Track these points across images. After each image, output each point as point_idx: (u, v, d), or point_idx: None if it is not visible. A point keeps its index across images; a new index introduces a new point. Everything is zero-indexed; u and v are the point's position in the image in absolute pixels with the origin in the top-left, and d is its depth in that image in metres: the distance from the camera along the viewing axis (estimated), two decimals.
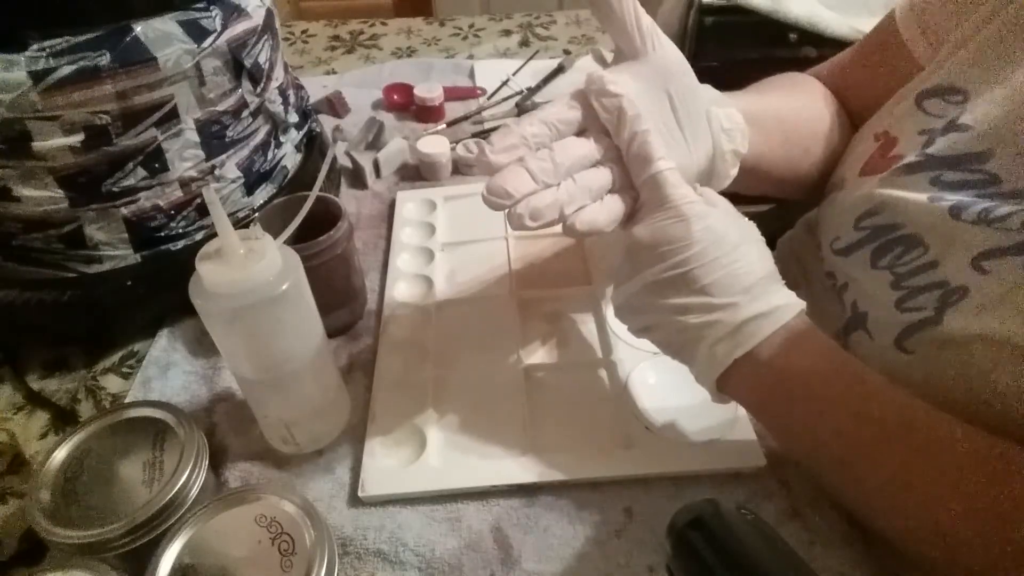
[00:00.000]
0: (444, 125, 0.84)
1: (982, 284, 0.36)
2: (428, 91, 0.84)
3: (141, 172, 0.49)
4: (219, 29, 0.50)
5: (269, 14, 0.57)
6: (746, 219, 0.39)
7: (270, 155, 0.60)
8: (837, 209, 0.46)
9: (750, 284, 0.35)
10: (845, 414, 0.35)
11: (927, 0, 0.47)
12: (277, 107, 0.60)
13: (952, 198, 0.38)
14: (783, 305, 0.36)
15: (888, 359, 0.40)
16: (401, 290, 0.60)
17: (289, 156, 0.63)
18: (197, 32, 0.48)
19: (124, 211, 0.50)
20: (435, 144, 0.74)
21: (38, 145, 0.45)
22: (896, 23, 0.49)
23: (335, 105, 0.87)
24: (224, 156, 0.54)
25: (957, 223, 0.37)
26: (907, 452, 0.34)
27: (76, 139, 0.45)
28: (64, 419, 0.52)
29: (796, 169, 0.51)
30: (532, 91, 0.88)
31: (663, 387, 0.50)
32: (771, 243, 0.78)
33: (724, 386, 0.38)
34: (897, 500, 0.34)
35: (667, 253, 0.36)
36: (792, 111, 0.52)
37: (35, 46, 0.43)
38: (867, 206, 0.43)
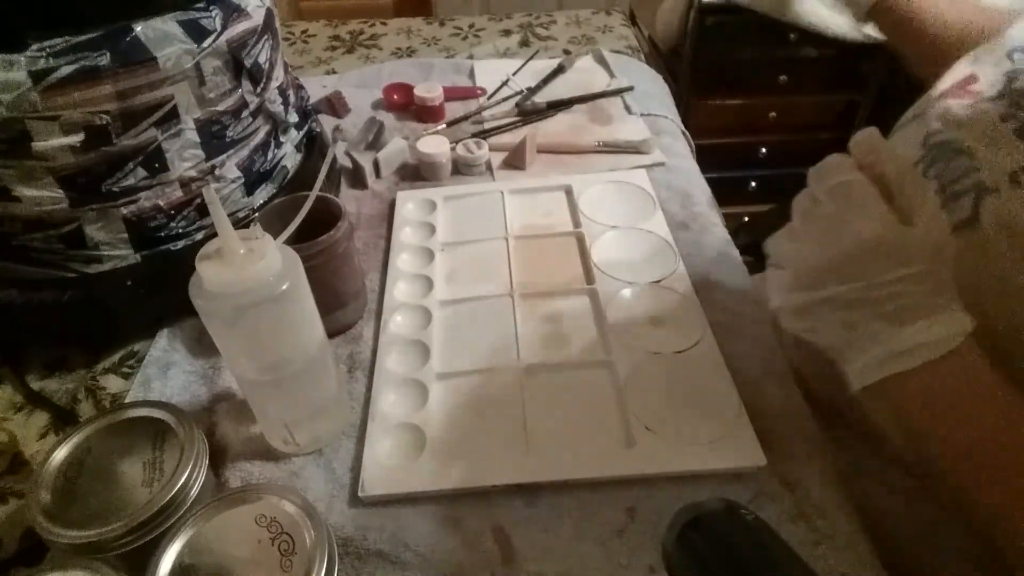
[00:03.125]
0: (444, 125, 0.84)
1: (1012, 193, 0.37)
2: (428, 91, 0.84)
3: (141, 172, 0.49)
4: (219, 29, 0.50)
5: (269, 14, 0.57)
6: (941, 233, 0.39)
7: (270, 155, 0.60)
8: (913, 129, 0.47)
9: (920, 316, 0.36)
10: (979, 435, 0.36)
11: None
12: (277, 107, 0.60)
13: (1021, 117, 0.39)
14: (943, 339, 0.36)
15: None
16: (401, 290, 0.60)
17: (289, 156, 0.63)
18: (197, 32, 0.48)
19: (124, 211, 0.50)
20: (435, 144, 0.74)
21: (38, 145, 0.45)
22: None
23: (335, 105, 0.87)
24: (224, 156, 0.54)
25: (1018, 141, 0.38)
26: None
27: (76, 139, 0.45)
28: (64, 419, 0.52)
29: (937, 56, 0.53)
30: (532, 91, 0.88)
31: (663, 387, 0.50)
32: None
33: (870, 393, 0.39)
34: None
35: (857, 276, 0.36)
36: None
37: (35, 46, 0.43)
38: (938, 125, 0.45)
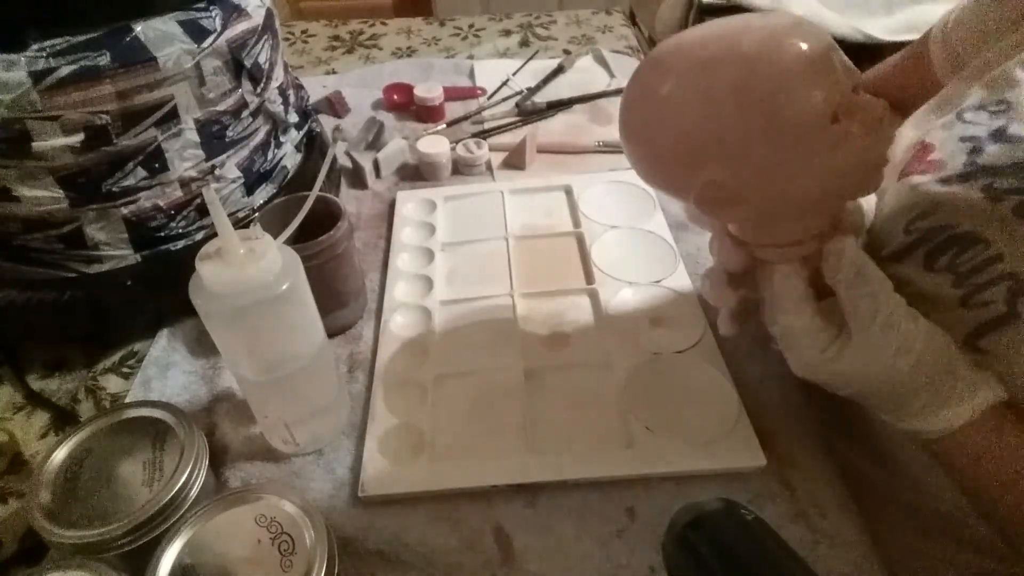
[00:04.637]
0: (444, 125, 0.84)
1: None
2: (428, 91, 0.84)
3: (141, 172, 0.49)
4: (219, 29, 0.50)
5: (269, 14, 0.57)
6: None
7: (270, 155, 0.60)
8: (885, 216, 0.45)
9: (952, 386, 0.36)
10: None
11: (957, 22, 0.46)
12: (277, 107, 0.60)
13: (1015, 198, 0.37)
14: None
15: None
16: (401, 290, 0.60)
17: (289, 156, 0.63)
18: (197, 32, 0.48)
19: (124, 211, 0.50)
20: (435, 144, 0.74)
21: (38, 145, 0.45)
22: (928, 39, 0.49)
23: (335, 105, 0.87)
24: (224, 156, 0.54)
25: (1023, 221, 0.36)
26: None
27: (76, 139, 0.45)
28: (64, 419, 0.52)
29: None
30: (532, 91, 0.88)
31: (663, 387, 0.50)
32: None
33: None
34: None
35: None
36: None
37: (35, 46, 0.43)
38: (918, 209, 0.41)
